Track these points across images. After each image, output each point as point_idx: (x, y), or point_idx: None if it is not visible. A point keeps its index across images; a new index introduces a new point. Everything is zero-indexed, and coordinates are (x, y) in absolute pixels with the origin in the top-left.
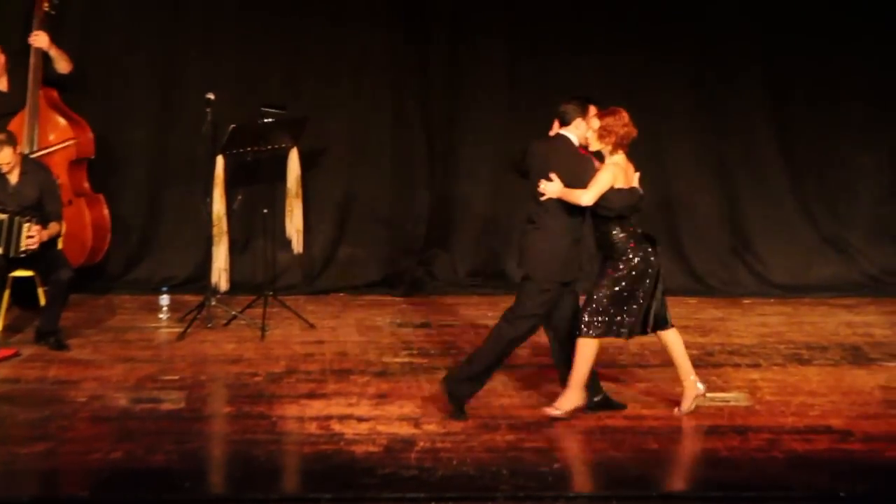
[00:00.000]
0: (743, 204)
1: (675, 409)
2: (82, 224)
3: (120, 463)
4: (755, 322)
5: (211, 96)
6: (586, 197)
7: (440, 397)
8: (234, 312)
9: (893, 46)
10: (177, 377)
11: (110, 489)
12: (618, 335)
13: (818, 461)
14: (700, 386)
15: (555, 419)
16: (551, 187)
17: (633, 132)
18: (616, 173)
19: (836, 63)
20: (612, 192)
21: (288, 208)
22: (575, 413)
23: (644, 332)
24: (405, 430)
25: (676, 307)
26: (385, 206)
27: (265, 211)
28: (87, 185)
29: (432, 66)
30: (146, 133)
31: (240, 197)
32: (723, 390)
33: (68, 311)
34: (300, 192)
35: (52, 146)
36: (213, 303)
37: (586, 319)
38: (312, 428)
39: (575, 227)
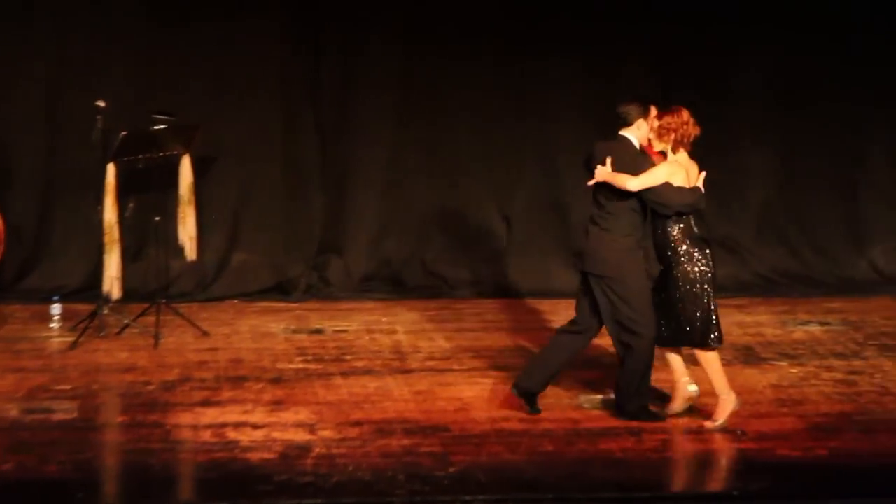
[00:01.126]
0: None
1: (707, 423)
2: None
3: (12, 474)
4: None
5: (101, 104)
6: (633, 182)
7: (336, 403)
8: (126, 321)
9: (782, 46)
10: (69, 387)
11: (2, 501)
12: (709, 345)
13: (711, 460)
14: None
15: (714, 430)
16: (601, 170)
17: (694, 130)
18: (674, 171)
19: (725, 62)
20: (669, 189)
21: (180, 215)
22: (732, 417)
23: (717, 342)
24: (300, 436)
25: (570, 309)
26: (278, 213)
27: (157, 218)
28: None
29: (324, 71)
30: (36, 141)
31: (132, 204)
32: None
33: None
34: (193, 199)
35: None
36: (106, 311)
37: (708, 332)
38: (207, 436)
39: (634, 227)
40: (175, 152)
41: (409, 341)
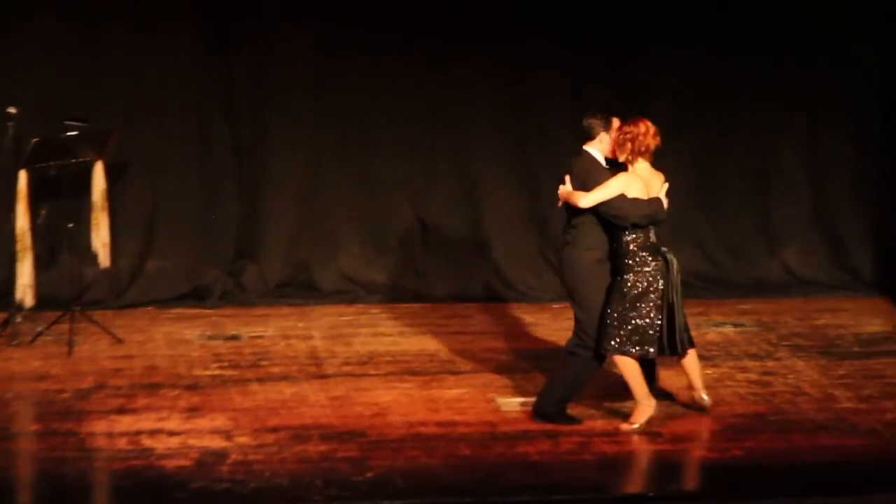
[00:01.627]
0: (550, 209)
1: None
2: None
3: None
4: (564, 326)
5: (12, 110)
6: (584, 199)
7: (252, 409)
8: (39, 328)
9: (693, 48)
10: None
11: None
12: (642, 352)
13: (628, 462)
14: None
15: (630, 433)
16: (561, 189)
17: (652, 142)
18: (629, 182)
19: (637, 64)
20: (623, 201)
21: (94, 222)
22: (650, 423)
23: (674, 353)
24: (217, 442)
25: (486, 313)
26: (193, 219)
27: (70, 225)
28: None
29: (238, 77)
30: None
31: (44, 211)
32: (534, 395)
33: None
34: (106, 205)
35: None
36: (19, 319)
37: (608, 336)
38: (122, 443)
39: (600, 242)
40: (88, 159)
41: (325, 346)
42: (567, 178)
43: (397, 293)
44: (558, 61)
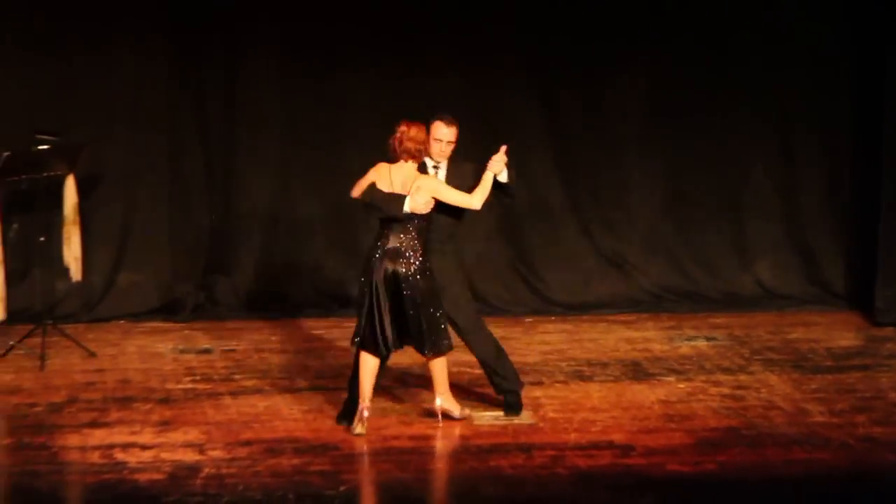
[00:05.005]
0: (522, 222)
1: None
2: None
3: None
4: (537, 340)
5: None
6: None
7: (224, 423)
8: (11, 342)
9: (664, 60)
10: None
11: None
12: (376, 352)
13: (601, 476)
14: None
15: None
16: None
17: (411, 147)
18: (380, 173)
19: (608, 79)
20: (369, 189)
21: (65, 235)
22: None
23: (385, 350)
24: (190, 456)
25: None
26: (165, 232)
27: (42, 239)
28: None
29: (208, 86)
30: None
31: (15, 225)
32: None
33: None
34: (77, 219)
35: None
36: None
37: (443, 335)
38: (95, 457)
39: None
40: (59, 172)
41: (298, 360)
42: None
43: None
44: (528, 72)
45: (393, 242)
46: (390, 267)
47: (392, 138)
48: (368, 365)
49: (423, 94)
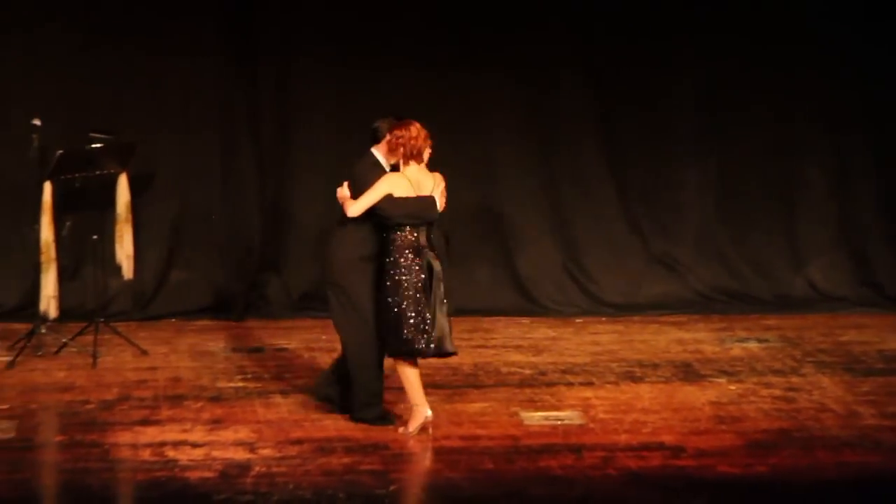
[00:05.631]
0: (574, 223)
1: (401, 429)
2: None
3: None
4: (588, 341)
5: (37, 122)
6: (353, 208)
7: (275, 422)
8: (64, 340)
9: (718, 61)
10: (6, 406)
11: None
12: (420, 353)
13: (651, 477)
14: (428, 413)
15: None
16: (339, 192)
17: (422, 145)
18: (395, 183)
19: (663, 78)
20: (389, 201)
21: (118, 234)
22: (424, 425)
23: (429, 350)
24: (240, 455)
25: (510, 327)
26: (216, 230)
27: (95, 237)
28: None
29: (261, 85)
30: None
31: (69, 223)
32: (557, 409)
33: None
34: (130, 217)
35: None
36: (43, 330)
37: (386, 340)
38: (146, 455)
39: (366, 240)
40: (112, 171)
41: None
42: (346, 183)
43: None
44: (581, 72)
45: (424, 241)
46: (433, 264)
47: (400, 141)
48: (414, 369)
49: (475, 93)
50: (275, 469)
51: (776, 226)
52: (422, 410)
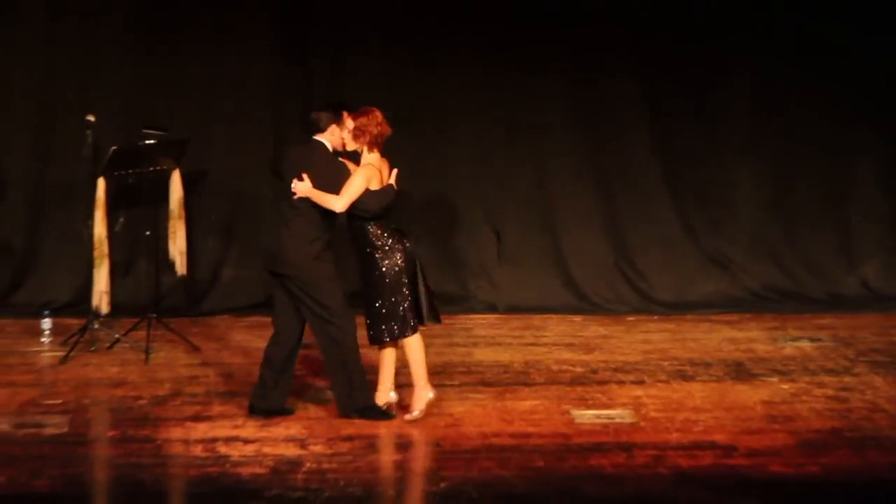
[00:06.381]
0: (625, 221)
1: (406, 416)
2: None
3: (2, 489)
4: (639, 339)
5: (91, 118)
6: (339, 203)
7: (326, 418)
8: (117, 335)
9: (770, 59)
10: (60, 401)
11: None
12: (404, 333)
13: (703, 477)
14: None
15: (413, 421)
16: (301, 186)
17: (387, 130)
18: (370, 175)
19: (714, 76)
20: (367, 196)
21: (171, 230)
22: (428, 406)
23: (420, 324)
24: (291, 451)
25: (561, 325)
26: (268, 228)
27: (148, 233)
28: None
29: (314, 84)
30: (27, 156)
31: (122, 219)
32: (608, 407)
33: None
34: (183, 213)
35: None
36: (96, 326)
37: (385, 326)
38: (198, 450)
39: (327, 230)
40: (165, 167)
41: (399, 356)
42: (306, 175)
43: (471, 304)
44: (632, 69)
45: (396, 225)
46: (408, 242)
47: (368, 129)
48: (394, 354)
49: (526, 91)
50: (325, 465)
51: (829, 224)
52: (425, 391)
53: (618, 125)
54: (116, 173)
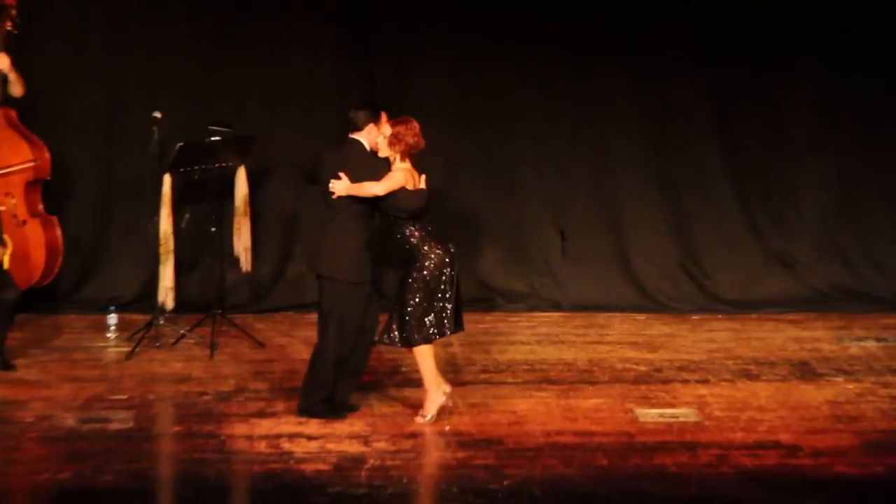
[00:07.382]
0: (690, 220)
1: (417, 418)
2: (36, 245)
3: (68, 483)
4: (703, 338)
5: (158, 115)
6: (378, 187)
7: (390, 415)
8: (182, 331)
9: (836, 57)
10: (125, 396)
11: None
12: (441, 334)
13: (767, 476)
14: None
15: (425, 423)
16: (339, 185)
17: (422, 143)
18: (408, 177)
19: (780, 75)
20: (404, 193)
21: (236, 226)
22: (440, 412)
23: (456, 330)
24: (355, 447)
25: (625, 323)
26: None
27: (213, 229)
28: (41, 206)
29: (379, 82)
30: (93, 152)
31: (187, 215)
32: (672, 406)
33: (14, 331)
34: (248, 210)
35: (11, 166)
36: (162, 322)
37: (413, 329)
38: (262, 446)
39: (365, 230)
40: (231, 164)
41: (463, 354)
42: (343, 174)
43: (535, 301)
44: (698, 69)
45: (428, 229)
46: (451, 247)
47: (405, 138)
48: (430, 351)
49: (591, 91)
50: (389, 462)
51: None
52: (438, 393)
53: (683, 124)
54: (182, 170)
